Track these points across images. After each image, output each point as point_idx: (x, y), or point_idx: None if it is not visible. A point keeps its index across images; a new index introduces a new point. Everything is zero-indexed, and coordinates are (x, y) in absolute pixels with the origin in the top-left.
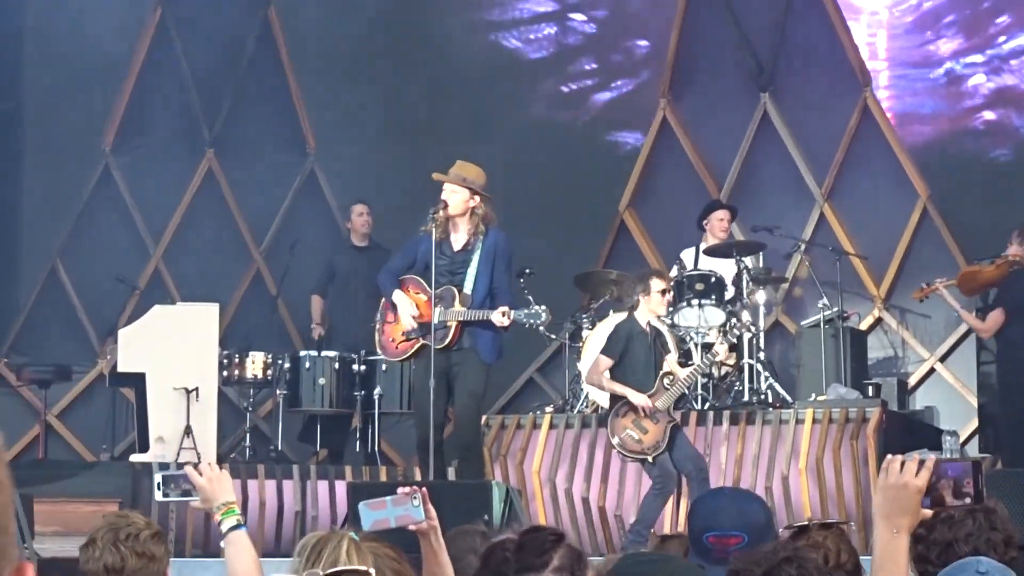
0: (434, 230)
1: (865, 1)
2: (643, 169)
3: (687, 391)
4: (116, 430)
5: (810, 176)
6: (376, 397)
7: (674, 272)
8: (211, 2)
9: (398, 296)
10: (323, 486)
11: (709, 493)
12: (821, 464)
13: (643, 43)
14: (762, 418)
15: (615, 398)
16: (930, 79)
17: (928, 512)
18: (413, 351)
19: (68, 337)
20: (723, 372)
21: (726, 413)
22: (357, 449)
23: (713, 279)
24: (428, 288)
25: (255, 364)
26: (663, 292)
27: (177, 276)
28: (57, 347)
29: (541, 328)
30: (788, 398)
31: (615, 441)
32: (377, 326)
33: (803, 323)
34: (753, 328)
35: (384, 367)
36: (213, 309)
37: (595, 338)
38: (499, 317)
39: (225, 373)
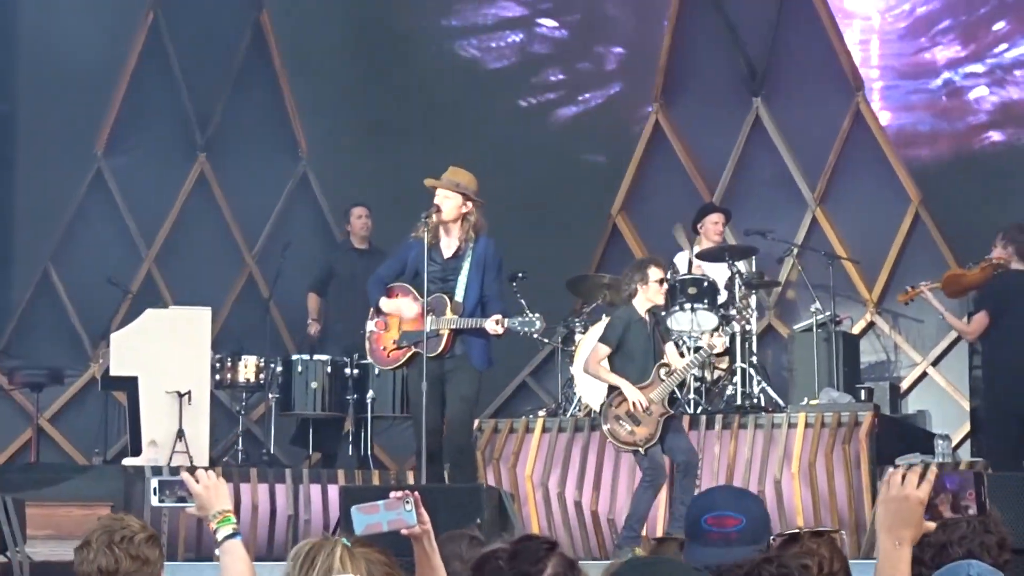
0: (426, 234)
1: (857, 6)
2: (635, 173)
3: (686, 381)
4: (108, 434)
5: (802, 180)
6: (369, 401)
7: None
8: (203, 6)
9: (385, 303)
10: (316, 490)
11: (708, 488)
12: (813, 468)
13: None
14: (754, 422)
15: (611, 388)
16: (928, 91)
17: (931, 525)
18: (405, 359)
19: (60, 340)
20: (715, 376)
21: (718, 417)
22: (350, 453)
23: (706, 283)
24: (418, 295)
25: (247, 368)
26: (661, 281)
27: (169, 280)
28: (49, 350)
29: (535, 335)
30: (780, 402)
31: (606, 429)
32: (367, 335)
33: (795, 327)
34: (750, 322)
35: (377, 371)
36: (205, 313)
37: (588, 342)
38: (493, 325)
39: (217, 377)
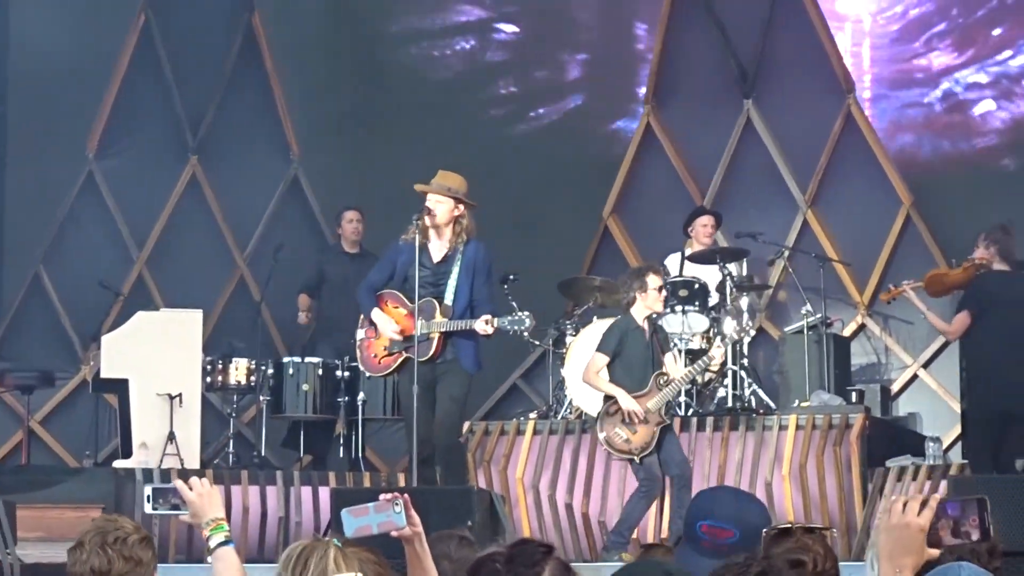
0: (416, 236)
1: (849, 8)
2: (627, 175)
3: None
4: (99, 436)
5: (793, 182)
6: (360, 403)
7: None
8: (195, 8)
9: (376, 315)
10: (307, 492)
11: (713, 487)
12: (804, 470)
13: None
14: (746, 424)
15: (608, 396)
16: (925, 104)
17: (934, 552)
18: (396, 365)
19: (51, 343)
20: (707, 378)
21: (709, 419)
22: (341, 455)
23: (697, 285)
24: (408, 302)
25: (238, 370)
26: (660, 289)
27: (161, 282)
28: (40, 353)
29: (525, 335)
30: (771, 404)
31: (602, 437)
32: (357, 343)
33: (786, 329)
34: (750, 333)
35: (368, 373)
36: (196, 315)
37: (580, 344)
38: (483, 325)
39: (208, 379)
